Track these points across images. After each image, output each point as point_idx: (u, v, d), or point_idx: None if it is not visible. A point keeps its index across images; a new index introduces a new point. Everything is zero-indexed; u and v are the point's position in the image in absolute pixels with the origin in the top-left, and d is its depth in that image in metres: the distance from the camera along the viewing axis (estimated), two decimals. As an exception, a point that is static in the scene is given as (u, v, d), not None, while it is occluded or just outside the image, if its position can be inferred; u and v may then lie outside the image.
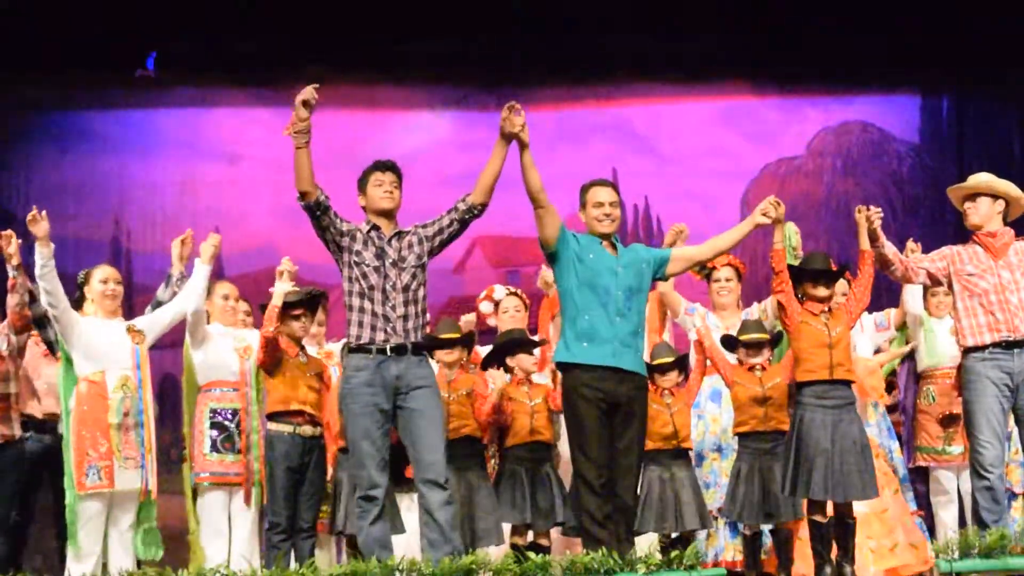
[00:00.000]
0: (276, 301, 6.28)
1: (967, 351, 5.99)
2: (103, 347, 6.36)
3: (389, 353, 5.46)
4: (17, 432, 6.84)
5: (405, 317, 5.50)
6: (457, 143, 12.06)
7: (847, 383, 5.81)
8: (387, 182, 5.67)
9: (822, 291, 5.92)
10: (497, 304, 7.27)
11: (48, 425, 6.93)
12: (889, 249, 6.07)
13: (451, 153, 11.98)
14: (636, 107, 12.27)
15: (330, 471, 6.43)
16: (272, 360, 6.30)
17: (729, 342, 6.39)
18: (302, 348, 6.51)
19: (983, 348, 5.90)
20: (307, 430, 6.32)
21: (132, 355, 6.42)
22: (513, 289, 7.36)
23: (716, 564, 6.51)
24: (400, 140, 11.87)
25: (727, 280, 7.20)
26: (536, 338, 6.88)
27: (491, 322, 7.36)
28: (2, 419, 6.81)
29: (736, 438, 6.40)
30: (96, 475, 6.18)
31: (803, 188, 12.29)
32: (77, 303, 6.63)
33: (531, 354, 6.56)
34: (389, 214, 5.65)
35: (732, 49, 11.49)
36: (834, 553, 5.79)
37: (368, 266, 5.51)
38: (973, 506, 5.96)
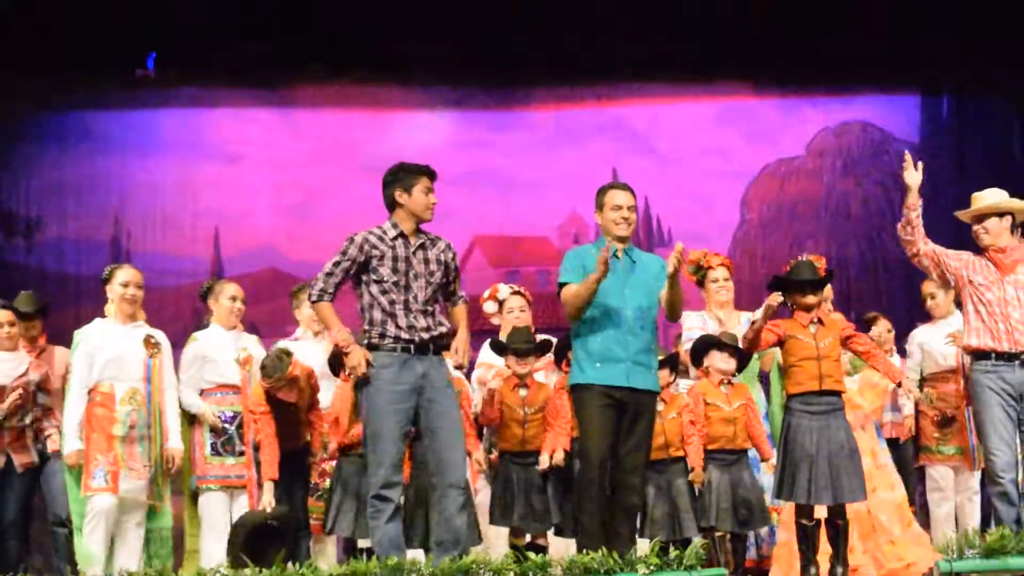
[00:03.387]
0: (264, 384, 6.26)
1: (973, 359, 6.16)
2: (115, 358, 6.36)
3: (413, 352, 5.49)
4: (35, 458, 6.96)
5: (427, 327, 5.54)
6: (457, 143, 12.06)
7: (836, 392, 5.87)
8: (433, 192, 5.65)
9: (810, 299, 5.95)
10: (501, 304, 7.27)
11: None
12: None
13: (451, 153, 11.97)
14: (636, 107, 12.27)
15: (332, 444, 6.40)
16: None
17: (703, 345, 6.43)
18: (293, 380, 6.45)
19: (987, 358, 6.07)
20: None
21: (144, 367, 6.43)
22: (517, 288, 7.34)
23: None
24: (400, 140, 11.87)
25: (725, 280, 7.22)
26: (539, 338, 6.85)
27: (495, 321, 7.35)
28: (21, 449, 6.93)
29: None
30: (103, 478, 6.24)
31: (803, 188, 12.29)
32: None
33: (523, 359, 6.51)
34: (399, 223, 5.62)
35: (732, 49, 11.49)
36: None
37: (387, 282, 5.50)
38: (993, 511, 6.14)
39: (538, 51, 11.47)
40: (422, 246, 5.61)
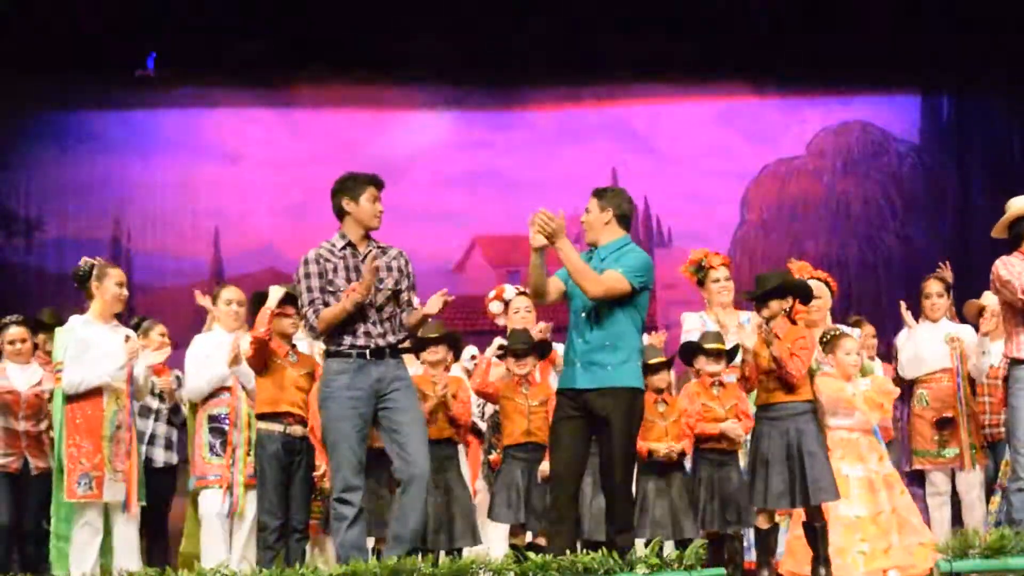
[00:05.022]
0: (271, 304, 6.28)
1: (1019, 362, 6.15)
2: (100, 359, 6.39)
3: (369, 357, 5.52)
4: (52, 464, 6.99)
5: (384, 333, 5.57)
6: (457, 143, 12.08)
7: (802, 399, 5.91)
8: (380, 201, 5.67)
9: (763, 312, 6.00)
10: (507, 304, 7.24)
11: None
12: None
13: (451, 153, 12.00)
14: (636, 107, 12.28)
15: (322, 467, 6.41)
16: (261, 361, 6.29)
17: (689, 350, 6.48)
18: (293, 346, 6.51)
19: None
20: (297, 430, 6.32)
21: (126, 368, 6.48)
22: (523, 288, 7.31)
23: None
24: (400, 140, 11.88)
25: (726, 280, 7.18)
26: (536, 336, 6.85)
27: (500, 321, 7.33)
28: (38, 453, 7.06)
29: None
30: (87, 485, 6.26)
31: (803, 188, 12.30)
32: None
33: (521, 360, 6.54)
34: (347, 234, 5.66)
35: (732, 49, 11.50)
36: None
37: (342, 291, 5.53)
38: (1008, 507, 6.14)
39: (538, 51, 11.47)
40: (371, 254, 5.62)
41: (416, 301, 5.73)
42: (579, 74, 11.83)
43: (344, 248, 5.62)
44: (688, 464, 6.53)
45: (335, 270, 5.57)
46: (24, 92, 11.12)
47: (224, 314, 6.85)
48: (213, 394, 6.74)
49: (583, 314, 5.52)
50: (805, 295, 6.13)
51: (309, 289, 5.56)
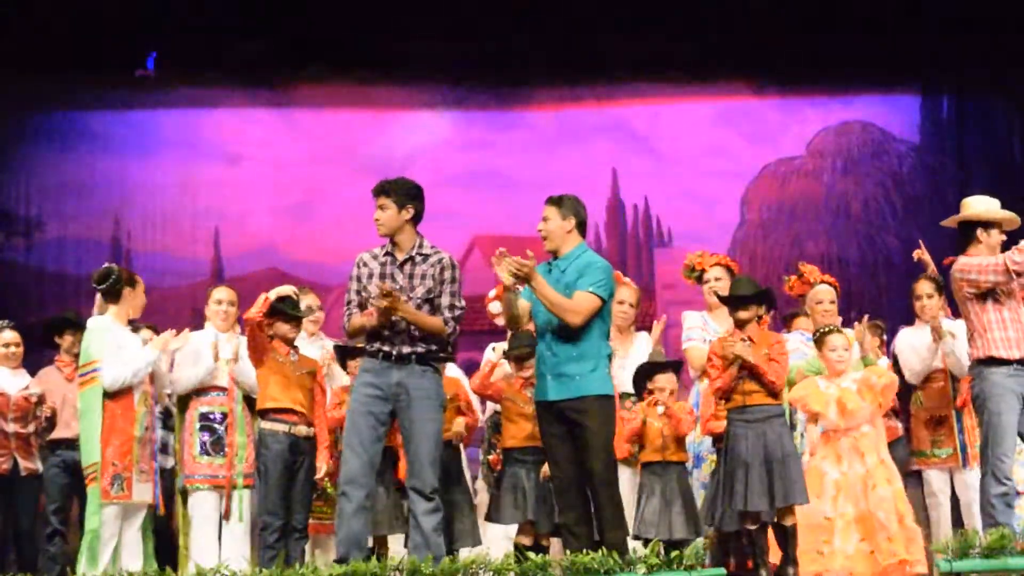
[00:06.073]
0: (271, 295, 6.35)
1: (991, 363, 6.15)
2: (133, 358, 6.47)
3: (392, 360, 5.60)
4: (39, 466, 7.20)
5: (411, 338, 5.62)
6: (457, 143, 12.08)
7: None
8: (376, 208, 5.74)
9: (740, 315, 6.03)
10: None
11: (75, 443, 7.11)
12: None
13: (451, 153, 12.00)
14: (636, 107, 12.28)
15: (323, 468, 6.42)
16: (257, 346, 6.32)
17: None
18: (294, 348, 6.53)
19: (1009, 363, 6.11)
20: (302, 430, 6.34)
21: (159, 359, 6.63)
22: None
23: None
24: (400, 140, 11.89)
25: (716, 280, 7.10)
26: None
27: (499, 322, 7.34)
28: (27, 455, 7.22)
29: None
30: (119, 485, 6.34)
31: (803, 188, 12.30)
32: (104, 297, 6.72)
33: (523, 363, 6.55)
34: (390, 239, 5.74)
35: (732, 49, 11.50)
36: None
37: (375, 297, 5.60)
38: (988, 509, 6.09)
39: (538, 51, 11.49)
40: (411, 261, 5.70)
41: (448, 314, 5.68)
42: (579, 74, 11.84)
43: (386, 255, 5.75)
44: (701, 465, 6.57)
45: (370, 275, 5.71)
46: (24, 92, 11.13)
47: (213, 313, 6.92)
48: (205, 392, 6.76)
49: (549, 328, 5.64)
50: (771, 302, 6.23)
51: (348, 291, 5.78)
